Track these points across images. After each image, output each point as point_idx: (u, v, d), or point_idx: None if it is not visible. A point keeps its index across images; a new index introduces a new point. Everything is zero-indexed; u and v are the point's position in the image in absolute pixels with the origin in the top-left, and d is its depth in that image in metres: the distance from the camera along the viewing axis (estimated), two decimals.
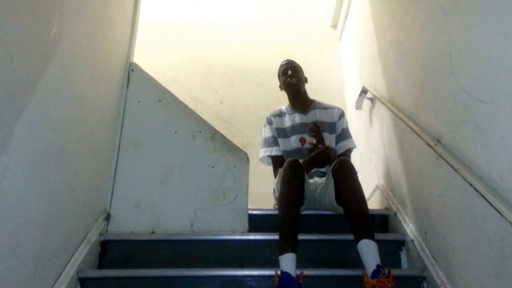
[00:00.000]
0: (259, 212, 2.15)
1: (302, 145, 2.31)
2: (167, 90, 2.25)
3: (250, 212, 2.08)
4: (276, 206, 2.22)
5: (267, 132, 2.42)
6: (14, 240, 1.20)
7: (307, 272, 1.65)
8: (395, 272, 1.61)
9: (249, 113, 3.67)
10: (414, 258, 1.86)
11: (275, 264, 1.69)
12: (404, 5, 2.14)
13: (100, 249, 1.88)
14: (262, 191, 2.71)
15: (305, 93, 2.49)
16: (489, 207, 1.28)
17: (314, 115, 2.39)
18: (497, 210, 1.24)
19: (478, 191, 1.35)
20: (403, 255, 1.96)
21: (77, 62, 1.63)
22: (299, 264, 1.65)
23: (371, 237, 1.67)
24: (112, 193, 2.03)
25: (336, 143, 2.37)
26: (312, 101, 2.49)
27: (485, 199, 1.30)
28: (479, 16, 1.39)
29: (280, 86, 2.56)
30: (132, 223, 1.99)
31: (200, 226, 2.00)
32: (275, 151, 2.35)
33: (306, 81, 2.52)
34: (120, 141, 2.12)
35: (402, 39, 2.16)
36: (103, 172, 1.98)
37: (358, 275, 1.65)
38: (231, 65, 3.88)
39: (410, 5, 2.05)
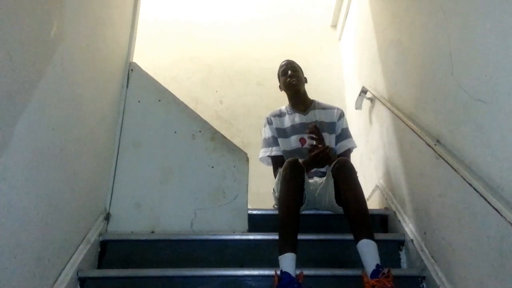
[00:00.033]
0: (259, 212, 2.16)
1: (302, 145, 2.31)
2: (167, 90, 2.25)
3: (250, 212, 2.08)
4: (275, 206, 2.22)
5: (267, 132, 2.43)
6: (14, 240, 1.20)
7: (306, 272, 1.65)
8: (394, 272, 1.61)
9: (249, 113, 3.67)
10: (413, 258, 1.86)
11: (274, 264, 1.69)
12: (404, 5, 2.14)
13: (99, 249, 1.88)
14: (262, 191, 2.71)
15: (305, 93, 2.49)
16: (489, 207, 1.28)
17: (314, 115, 2.39)
18: (497, 210, 1.24)
19: (477, 191, 1.35)
20: (402, 255, 1.96)
21: (77, 62, 1.63)
22: (299, 264, 1.65)
23: (371, 237, 1.67)
24: (112, 193, 2.03)
25: (336, 143, 2.37)
26: (312, 101, 2.49)
27: (485, 199, 1.30)
28: (479, 16, 1.39)
29: (280, 86, 2.56)
30: (132, 223, 1.99)
31: (200, 226, 2.00)
32: (275, 151, 2.36)
33: (306, 81, 2.52)
34: (120, 141, 2.12)
35: (402, 39, 2.16)
36: (103, 172, 1.98)
37: (357, 275, 1.65)
38: (231, 65, 3.88)
39: (410, 5, 2.05)
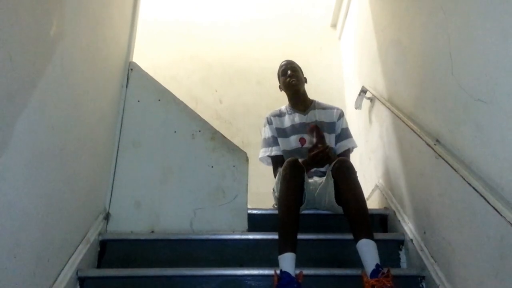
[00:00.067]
0: (259, 212, 2.16)
1: (302, 145, 2.31)
2: (166, 89, 2.25)
3: (249, 211, 2.08)
4: (275, 206, 2.22)
5: (267, 132, 2.43)
6: (14, 240, 1.20)
7: (306, 271, 1.65)
8: (394, 271, 1.62)
9: (249, 112, 3.67)
10: (413, 257, 1.87)
11: (274, 264, 1.69)
12: (404, 4, 2.14)
13: (99, 249, 1.88)
14: (262, 190, 2.71)
15: (304, 93, 2.49)
16: (489, 207, 1.28)
17: (313, 115, 2.40)
18: (497, 210, 1.24)
19: (477, 191, 1.35)
20: (402, 255, 1.96)
21: (77, 61, 1.63)
22: (299, 263, 1.65)
23: (371, 237, 1.67)
24: (111, 192, 2.02)
25: (336, 142, 2.37)
26: (312, 101, 2.49)
27: (485, 198, 1.30)
28: (479, 16, 1.39)
29: (280, 86, 2.56)
30: (131, 222, 1.98)
31: (199, 226, 2.00)
32: (275, 151, 2.36)
33: (306, 81, 2.53)
34: (119, 141, 2.12)
35: (402, 39, 2.16)
36: (103, 172, 1.98)
37: (357, 274, 1.65)
38: (231, 64, 3.88)
39: (410, 4, 2.05)
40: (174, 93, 2.26)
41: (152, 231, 1.97)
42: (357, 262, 1.68)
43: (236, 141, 2.36)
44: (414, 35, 1.98)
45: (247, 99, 3.75)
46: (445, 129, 1.64)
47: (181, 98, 2.26)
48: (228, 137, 2.22)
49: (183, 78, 3.78)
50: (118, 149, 2.10)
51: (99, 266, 1.85)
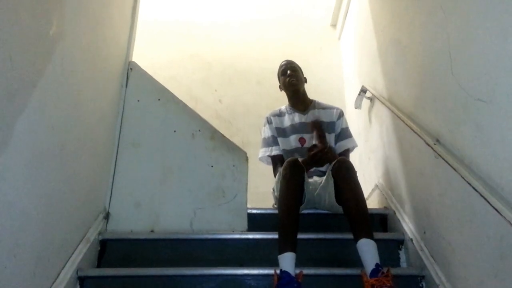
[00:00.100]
0: (259, 211, 2.16)
1: (302, 145, 2.31)
2: (166, 89, 2.25)
3: (249, 211, 2.08)
4: (275, 206, 2.22)
5: (266, 132, 2.43)
6: (14, 239, 1.20)
7: (306, 271, 1.65)
8: (394, 271, 1.62)
9: (249, 112, 3.67)
10: (413, 257, 1.87)
11: (274, 263, 1.69)
12: (404, 4, 2.14)
13: (99, 248, 1.88)
14: (262, 190, 2.71)
15: (304, 93, 2.50)
16: (488, 207, 1.28)
17: (313, 115, 2.40)
18: (496, 210, 1.24)
19: (477, 191, 1.35)
20: (402, 254, 1.96)
21: (77, 61, 1.63)
22: (299, 263, 1.65)
23: (370, 236, 1.67)
24: (111, 192, 2.02)
25: (335, 142, 2.37)
26: (312, 101, 2.49)
27: (485, 198, 1.30)
28: (479, 16, 1.39)
29: (280, 86, 2.56)
30: (131, 222, 1.98)
31: (199, 225, 2.00)
32: (275, 151, 2.36)
33: (306, 81, 2.53)
34: (119, 140, 2.11)
35: (401, 38, 2.16)
36: (103, 171, 1.98)
37: (357, 274, 1.65)
38: (231, 64, 3.88)
39: (410, 4, 2.05)
40: (174, 93, 2.26)
41: (152, 231, 1.97)
42: (357, 261, 1.68)
43: (236, 140, 2.36)
44: (414, 34, 1.98)
45: (247, 99, 3.75)
46: (445, 129, 1.64)
47: (181, 98, 2.26)
48: (228, 137, 2.22)
49: (183, 78, 3.78)
50: (118, 149, 2.10)
51: (99, 265, 1.85)
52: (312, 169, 2.20)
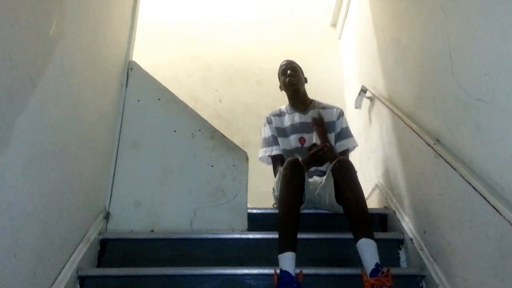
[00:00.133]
0: (259, 211, 2.16)
1: (302, 145, 2.32)
2: (166, 88, 2.25)
3: (249, 211, 2.08)
4: (275, 205, 2.22)
5: (267, 132, 2.43)
6: (14, 239, 1.20)
7: (306, 271, 1.65)
8: (394, 271, 1.62)
9: (249, 112, 3.67)
10: (413, 257, 1.87)
11: (274, 263, 1.69)
12: (404, 4, 2.14)
13: (99, 248, 1.88)
14: (262, 190, 2.71)
15: (304, 93, 2.50)
16: (488, 206, 1.28)
17: (314, 115, 2.39)
18: (496, 209, 1.24)
19: (477, 190, 1.35)
20: (402, 254, 1.96)
21: (77, 61, 1.63)
22: (299, 263, 1.65)
23: (370, 236, 1.67)
24: (111, 191, 2.02)
25: (335, 142, 2.37)
26: (312, 101, 2.50)
27: (484, 198, 1.30)
28: (479, 16, 1.39)
29: (280, 86, 2.56)
30: (131, 221, 1.99)
31: (199, 225, 2.00)
32: (275, 151, 2.36)
33: (306, 81, 2.53)
34: (119, 140, 2.12)
35: (401, 38, 2.16)
36: (103, 171, 1.98)
37: (357, 273, 1.65)
38: (231, 64, 3.88)
39: (410, 4, 2.05)
40: (174, 92, 2.26)
41: (152, 231, 1.97)
42: (357, 261, 1.68)
43: (236, 140, 2.36)
44: (414, 35, 1.98)
45: (247, 98, 3.75)
46: (445, 129, 1.64)
47: (181, 98, 2.26)
48: (228, 137, 2.22)
49: (183, 78, 3.78)
50: (118, 148, 2.10)
51: (99, 265, 1.85)
52: (312, 169, 2.20)
